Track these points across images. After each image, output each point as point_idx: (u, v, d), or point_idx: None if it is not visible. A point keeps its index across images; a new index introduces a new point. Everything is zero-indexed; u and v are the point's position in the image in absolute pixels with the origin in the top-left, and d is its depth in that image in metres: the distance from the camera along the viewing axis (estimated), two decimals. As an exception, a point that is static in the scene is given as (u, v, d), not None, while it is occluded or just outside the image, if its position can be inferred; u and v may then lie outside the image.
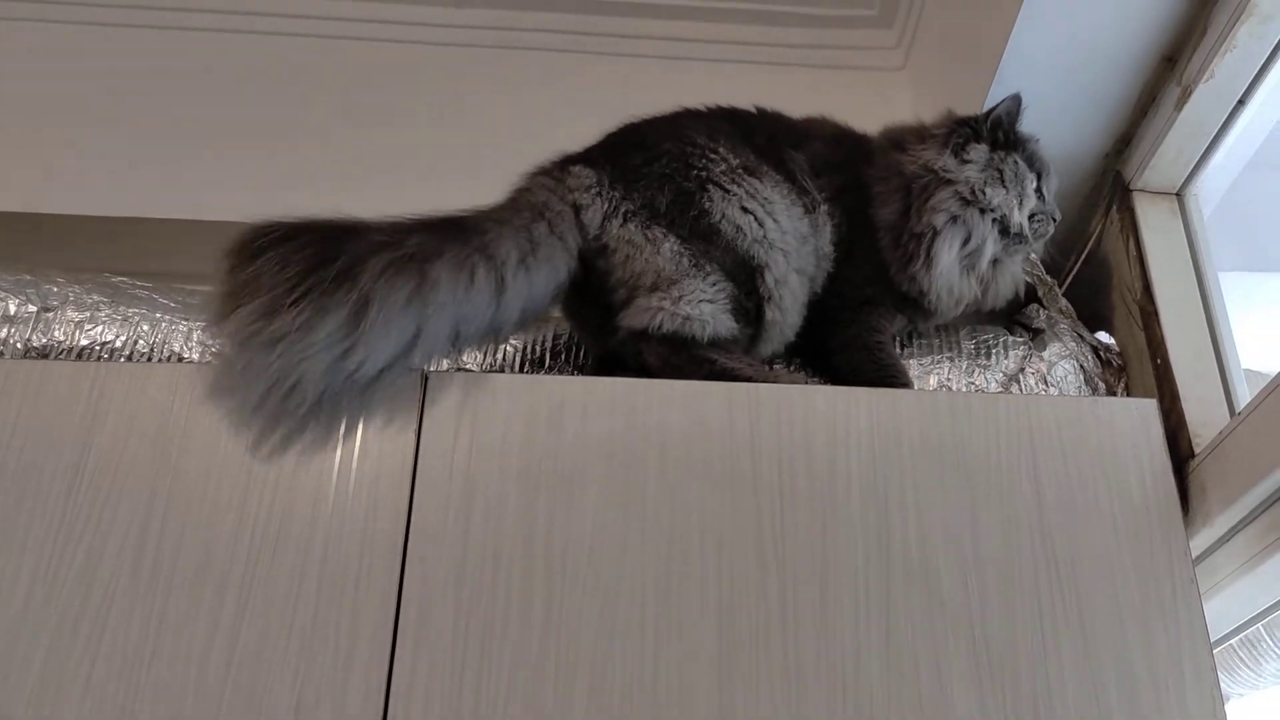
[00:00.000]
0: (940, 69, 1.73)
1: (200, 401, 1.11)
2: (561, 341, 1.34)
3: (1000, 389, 1.34)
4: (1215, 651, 1.16)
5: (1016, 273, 1.40)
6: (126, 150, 1.69)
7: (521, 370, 1.32)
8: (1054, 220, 1.37)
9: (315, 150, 1.70)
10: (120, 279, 1.35)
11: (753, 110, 1.39)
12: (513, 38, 1.86)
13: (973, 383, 1.35)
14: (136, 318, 1.30)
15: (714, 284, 1.21)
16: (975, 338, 1.39)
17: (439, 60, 1.84)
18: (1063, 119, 1.46)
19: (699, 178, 1.25)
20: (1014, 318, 1.47)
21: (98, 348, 1.28)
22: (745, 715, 0.99)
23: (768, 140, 1.33)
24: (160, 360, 1.28)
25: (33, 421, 1.11)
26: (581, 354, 1.34)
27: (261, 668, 0.99)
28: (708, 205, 1.24)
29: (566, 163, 1.27)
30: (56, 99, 1.74)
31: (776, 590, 1.04)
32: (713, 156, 1.27)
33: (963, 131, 1.33)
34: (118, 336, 1.29)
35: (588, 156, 1.28)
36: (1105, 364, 1.40)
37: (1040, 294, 1.47)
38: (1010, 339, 1.39)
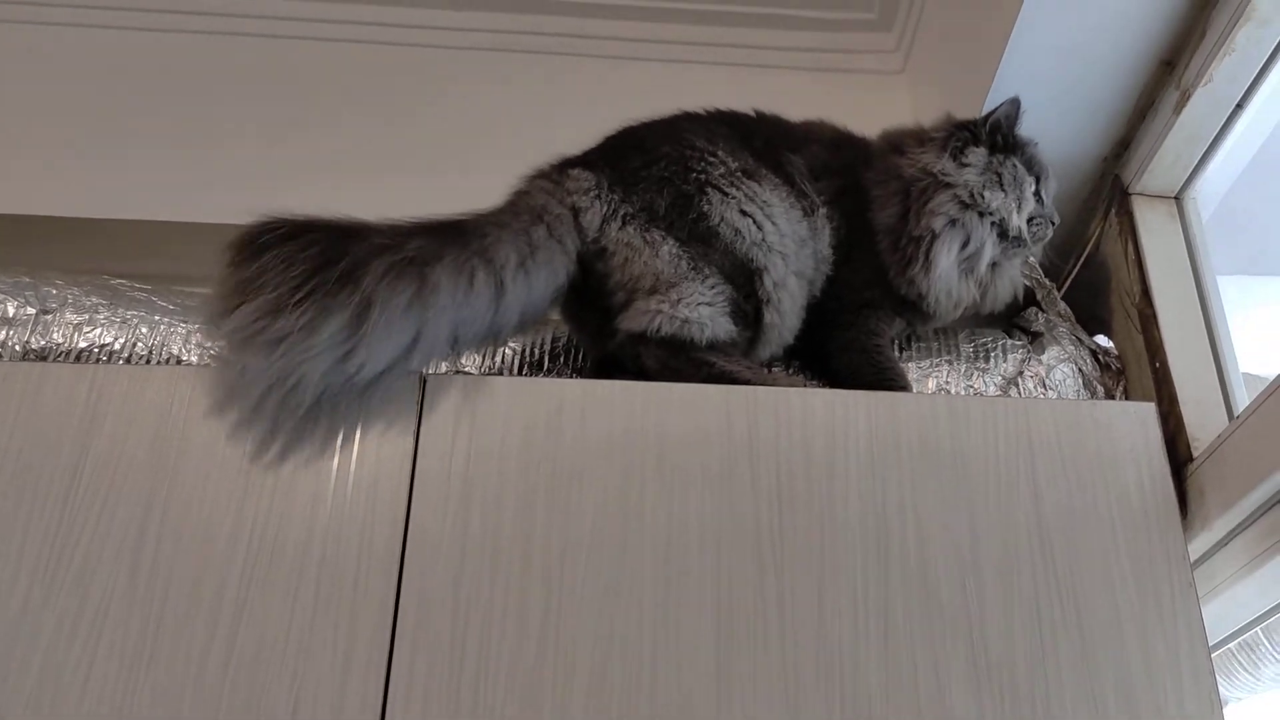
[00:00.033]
0: (939, 72, 1.73)
1: (199, 404, 1.11)
2: (560, 344, 1.35)
3: (999, 392, 1.34)
4: (1213, 655, 1.16)
5: (1015, 276, 1.40)
6: (126, 152, 1.69)
7: (520, 373, 1.32)
8: (1053, 224, 1.37)
9: (315, 153, 1.70)
10: (119, 281, 1.35)
11: (751, 113, 1.39)
12: (511, 40, 1.86)
13: (971, 386, 1.35)
14: (135, 320, 1.30)
15: (712, 287, 1.21)
16: (974, 341, 1.39)
17: (439, 63, 1.85)
18: (1061, 122, 1.46)
19: (698, 181, 1.25)
20: (1013, 321, 1.47)
21: (96, 350, 1.28)
22: (743, 718, 0.99)
23: (766, 143, 1.34)
24: (159, 362, 1.28)
25: (31, 424, 1.10)
26: (580, 357, 1.34)
27: (259, 670, 0.99)
28: (706, 208, 1.24)
29: (565, 166, 1.27)
30: (55, 100, 1.74)
31: (775, 593, 1.04)
32: (711, 160, 1.27)
33: (961, 135, 1.33)
34: (116, 339, 1.29)
35: (586, 160, 1.28)
36: (1104, 367, 1.40)
37: (1039, 297, 1.47)
38: (1009, 342, 1.39)
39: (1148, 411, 1.18)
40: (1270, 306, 1.78)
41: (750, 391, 1.15)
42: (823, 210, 1.33)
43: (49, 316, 1.30)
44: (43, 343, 1.28)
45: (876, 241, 1.33)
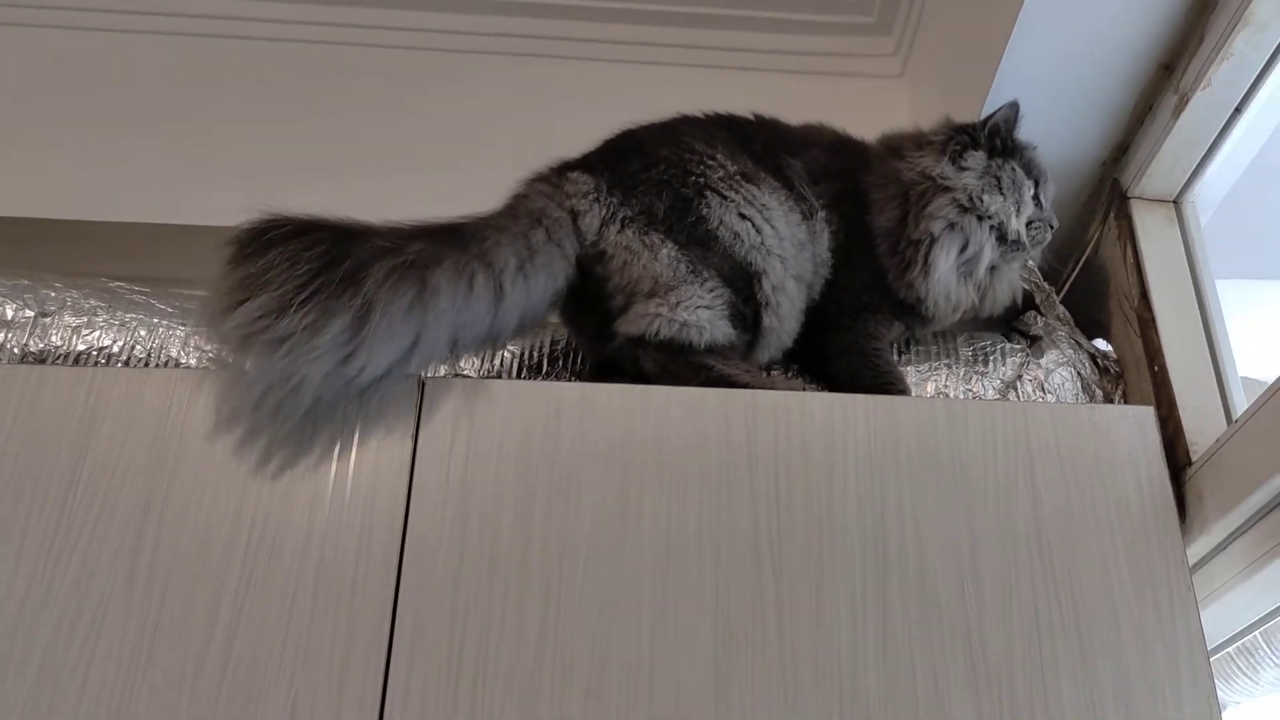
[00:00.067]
0: (938, 76, 1.73)
1: (197, 407, 1.11)
2: (559, 347, 1.35)
3: (998, 396, 1.34)
4: (1212, 659, 1.16)
5: (1014, 280, 1.41)
6: (125, 154, 1.69)
7: (519, 376, 1.32)
8: (1051, 227, 1.37)
9: (314, 155, 1.71)
10: (118, 284, 1.35)
11: (750, 117, 1.39)
12: (508, 44, 1.86)
13: (970, 390, 1.35)
14: (134, 323, 1.30)
15: (711, 290, 1.21)
16: (973, 345, 1.39)
17: (439, 65, 1.85)
18: (1060, 126, 1.46)
19: (697, 184, 1.25)
20: (1012, 325, 1.47)
21: (95, 353, 1.28)
22: (741, 722, 0.99)
23: (765, 147, 1.34)
24: (157, 365, 1.28)
25: (29, 427, 1.10)
26: (579, 360, 1.34)
27: (257, 674, 0.99)
28: (705, 211, 1.24)
29: (564, 169, 1.27)
30: (54, 103, 1.75)
31: (773, 597, 1.04)
32: (710, 163, 1.27)
33: (960, 139, 1.33)
34: (115, 341, 1.29)
35: (585, 163, 1.28)
36: (1103, 371, 1.40)
37: (1038, 301, 1.47)
38: (1008, 346, 1.39)
39: (1146, 415, 1.18)
40: (1269, 310, 1.78)
41: (749, 395, 1.15)
42: (821, 214, 1.33)
43: (48, 319, 1.30)
44: (41, 345, 1.28)
45: (875, 245, 1.33)
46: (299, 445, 1.08)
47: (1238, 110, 1.37)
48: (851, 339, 1.31)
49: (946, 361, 1.37)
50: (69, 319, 1.30)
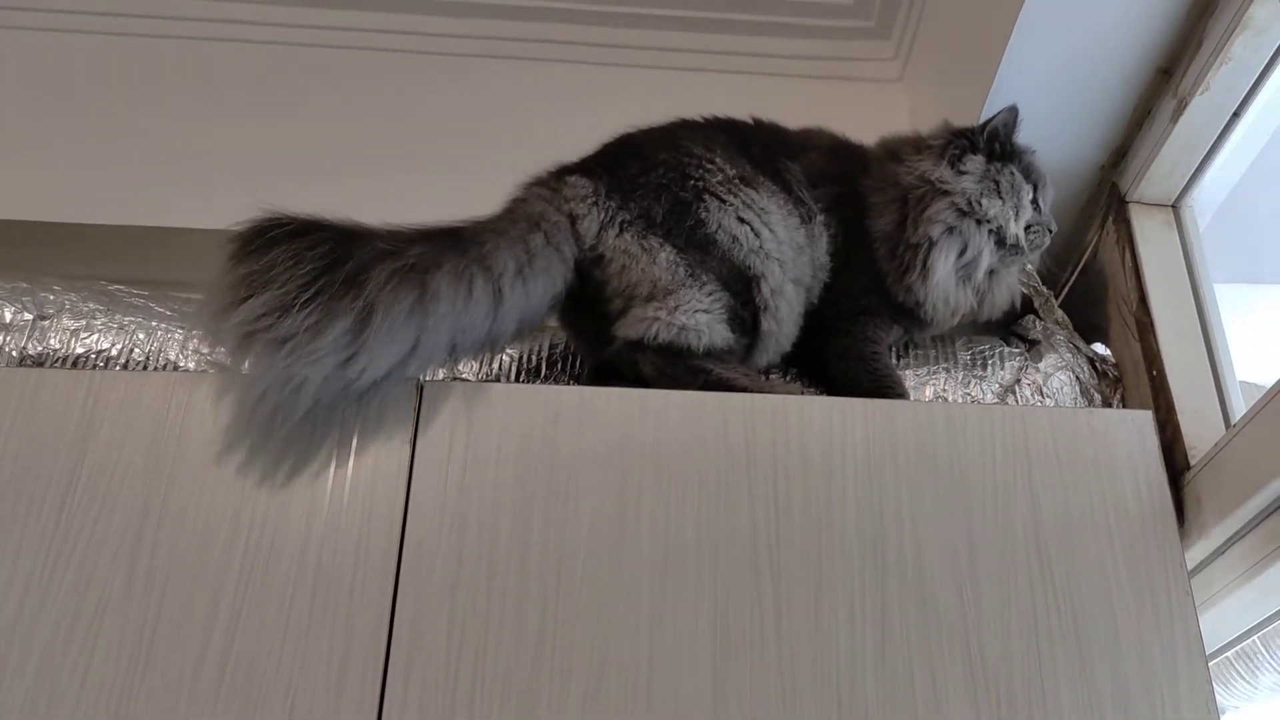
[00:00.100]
0: (937, 80, 1.73)
1: (196, 410, 1.11)
2: (558, 351, 1.35)
3: (996, 400, 1.34)
4: (1211, 664, 1.15)
5: (1013, 284, 1.41)
6: (124, 157, 1.69)
7: (518, 380, 1.32)
8: (1050, 231, 1.37)
9: (314, 159, 1.71)
10: (116, 287, 1.35)
11: (749, 121, 1.39)
12: (510, 48, 1.86)
13: (969, 394, 1.35)
14: (132, 326, 1.30)
15: (710, 294, 1.21)
16: (971, 349, 1.39)
17: (440, 70, 1.85)
18: (1059, 130, 1.46)
19: (695, 188, 1.25)
20: (1010, 329, 1.47)
21: (93, 356, 1.28)
22: (740, 727, 0.99)
23: (764, 151, 1.34)
24: (156, 368, 1.28)
25: (28, 430, 1.10)
26: (577, 364, 1.34)
27: (255, 678, 0.99)
28: (704, 215, 1.24)
29: (563, 173, 1.27)
30: (53, 106, 1.75)
31: (771, 601, 1.04)
32: (709, 167, 1.27)
33: (959, 143, 1.34)
34: (113, 345, 1.29)
35: (584, 167, 1.28)
36: (1101, 375, 1.40)
37: (1036, 305, 1.47)
38: (1006, 350, 1.39)
39: (1145, 419, 1.18)
40: (1267, 314, 1.78)
41: (747, 399, 1.15)
42: (820, 217, 1.33)
43: (46, 322, 1.30)
44: (40, 348, 1.28)
45: (874, 249, 1.33)
46: (297, 448, 1.08)
47: (1236, 114, 1.37)
48: (850, 342, 1.31)
49: (945, 365, 1.37)
50: (67, 322, 1.30)
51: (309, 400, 1.05)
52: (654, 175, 1.25)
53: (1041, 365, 1.37)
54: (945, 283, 1.31)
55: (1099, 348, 1.45)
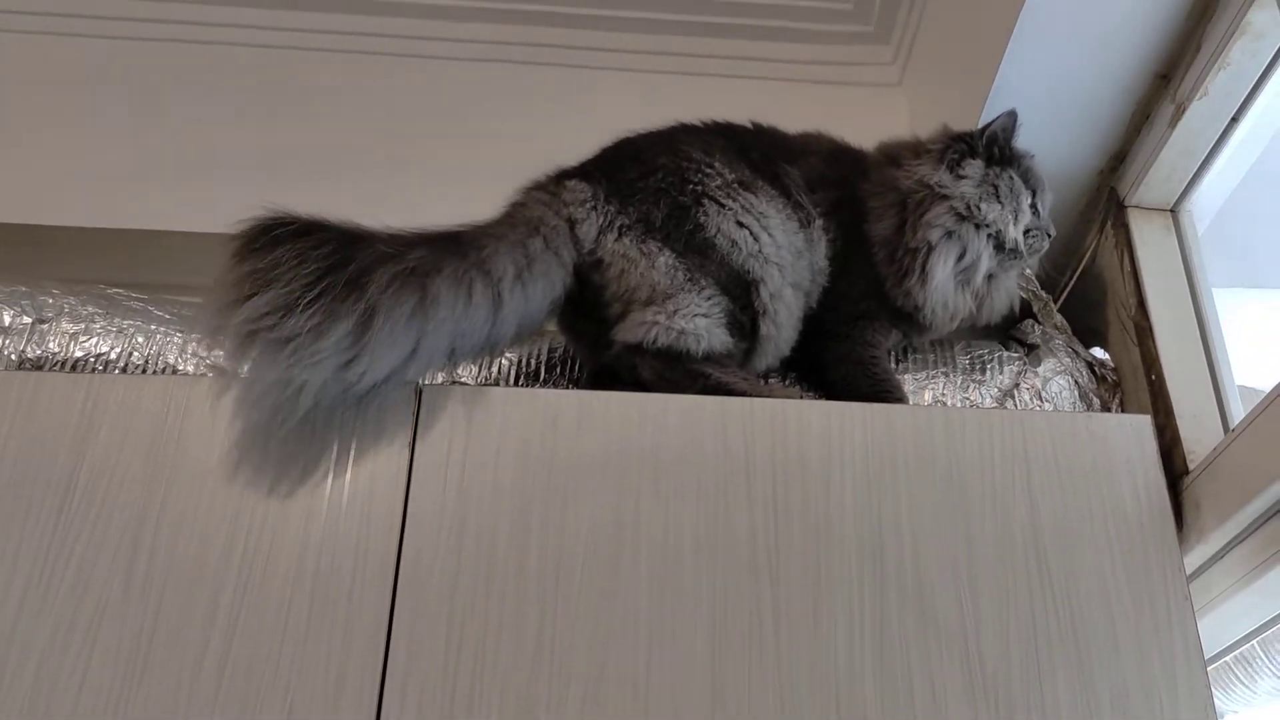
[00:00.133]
0: (936, 85, 1.73)
1: (194, 414, 1.11)
2: (557, 355, 1.35)
3: (995, 404, 1.34)
4: (1210, 669, 1.16)
5: (1011, 288, 1.41)
6: (123, 162, 1.69)
7: (516, 383, 1.32)
8: (1048, 236, 1.38)
9: (315, 162, 1.71)
10: (116, 291, 1.35)
11: (748, 125, 1.39)
12: (511, 52, 1.86)
13: (967, 398, 1.35)
14: (131, 329, 1.30)
15: (709, 298, 1.21)
16: (970, 353, 1.39)
17: (441, 74, 1.85)
18: (1057, 135, 1.47)
19: (694, 192, 1.25)
20: (1009, 333, 1.47)
21: (92, 359, 1.28)
22: (738, 731, 0.99)
23: (763, 155, 1.34)
24: (155, 372, 1.28)
25: (26, 433, 1.10)
26: (576, 368, 1.34)
27: (253, 682, 0.99)
28: (703, 220, 1.24)
29: (562, 177, 1.27)
30: (52, 109, 1.75)
31: (770, 606, 1.04)
32: (708, 171, 1.27)
33: (958, 147, 1.34)
34: (112, 348, 1.29)
35: (583, 171, 1.28)
36: (1100, 380, 1.40)
37: (1035, 310, 1.47)
38: (1005, 354, 1.39)
39: (1143, 424, 1.18)
40: (1266, 319, 1.78)
41: (746, 403, 1.15)
42: (819, 222, 1.33)
43: (45, 325, 1.30)
44: (39, 352, 1.28)
45: (873, 253, 1.33)
46: (296, 452, 1.08)
47: (1235, 119, 1.37)
48: (849, 347, 1.31)
49: (944, 370, 1.37)
50: (66, 325, 1.30)
51: (309, 402, 1.05)
52: (653, 179, 1.25)
53: (1040, 370, 1.37)
54: (944, 287, 1.31)
55: (1098, 352, 1.45)
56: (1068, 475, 1.13)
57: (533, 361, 1.33)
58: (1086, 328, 1.48)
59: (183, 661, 0.99)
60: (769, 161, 1.33)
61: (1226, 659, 1.41)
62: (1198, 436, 1.27)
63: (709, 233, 1.23)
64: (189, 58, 1.82)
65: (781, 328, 1.27)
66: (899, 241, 1.31)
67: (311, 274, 1.03)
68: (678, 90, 1.82)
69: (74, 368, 1.27)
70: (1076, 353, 1.41)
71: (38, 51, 1.80)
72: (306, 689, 0.99)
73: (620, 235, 1.22)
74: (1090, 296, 1.54)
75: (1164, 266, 1.43)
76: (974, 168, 1.32)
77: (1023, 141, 1.37)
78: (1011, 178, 1.33)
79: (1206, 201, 1.48)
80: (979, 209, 1.31)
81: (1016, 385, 1.36)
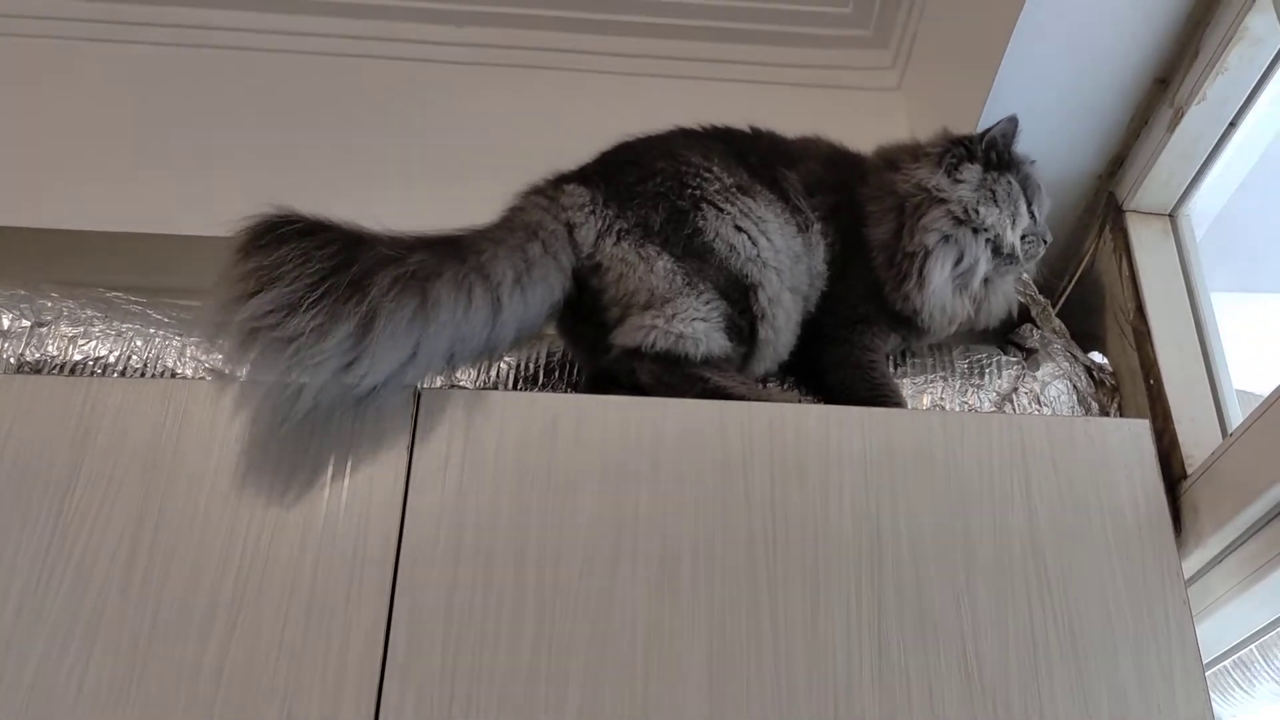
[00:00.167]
0: (935, 89, 1.73)
1: (193, 417, 1.11)
2: (555, 359, 1.35)
3: (993, 408, 1.34)
4: (1208, 673, 1.16)
5: (1009, 292, 1.41)
6: (122, 165, 1.69)
7: (515, 387, 1.32)
8: (1045, 241, 1.38)
9: (315, 166, 1.71)
10: (114, 294, 1.35)
11: (747, 130, 1.39)
12: (510, 55, 1.87)
13: (966, 402, 1.35)
14: (130, 333, 1.30)
15: (707, 302, 1.21)
16: (969, 357, 1.39)
17: (441, 77, 1.85)
18: (1056, 139, 1.47)
19: (693, 196, 1.25)
20: (1007, 337, 1.47)
21: (91, 363, 1.28)
22: (736, 735, 0.99)
23: (761, 159, 1.34)
24: (153, 376, 1.28)
25: (24, 436, 1.10)
26: (575, 372, 1.34)
27: (251, 685, 0.99)
28: (701, 224, 1.24)
29: (560, 181, 1.27)
30: (52, 114, 1.75)
31: (768, 609, 1.04)
32: (707, 175, 1.27)
33: (957, 151, 1.34)
34: (111, 352, 1.29)
35: (582, 175, 1.29)
36: (1098, 384, 1.40)
37: (1034, 314, 1.47)
38: (1004, 359, 1.39)
39: (1142, 428, 1.18)
40: (1264, 323, 1.78)
41: (745, 407, 1.15)
42: (818, 226, 1.33)
43: (44, 329, 1.30)
44: (37, 355, 1.28)
45: (871, 257, 1.33)
46: (294, 455, 1.08)
47: (1233, 124, 1.38)
48: (847, 351, 1.31)
49: (942, 374, 1.37)
50: (65, 329, 1.30)
51: (308, 404, 1.05)
52: (651, 184, 1.25)
53: (1039, 374, 1.37)
54: (942, 291, 1.32)
55: (1096, 356, 1.45)
56: (1066, 479, 1.13)
57: (531, 365, 1.34)
58: (1085, 332, 1.48)
59: (180, 665, 0.99)
60: (767, 166, 1.33)
61: (1224, 663, 1.41)
62: (1196, 441, 1.27)
63: (707, 237, 1.23)
64: (190, 61, 1.82)
65: (780, 332, 1.27)
66: (897, 245, 1.32)
67: (315, 274, 1.02)
68: (676, 95, 1.82)
69: (72, 371, 1.27)
70: (1075, 357, 1.41)
71: (36, 54, 1.80)
72: (304, 692, 0.99)
73: (619, 239, 1.22)
74: (1089, 301, 1.54)
75: (1162, 271, 1.43)
76: (972, 172, 1.33)
77: (1020, 145, 1.37)
78: (1010, 182, 1.33)
79: (1205, 206, 1.48)
80: (977, 213, 1.31)
81: (1015, 389, 1.36)
